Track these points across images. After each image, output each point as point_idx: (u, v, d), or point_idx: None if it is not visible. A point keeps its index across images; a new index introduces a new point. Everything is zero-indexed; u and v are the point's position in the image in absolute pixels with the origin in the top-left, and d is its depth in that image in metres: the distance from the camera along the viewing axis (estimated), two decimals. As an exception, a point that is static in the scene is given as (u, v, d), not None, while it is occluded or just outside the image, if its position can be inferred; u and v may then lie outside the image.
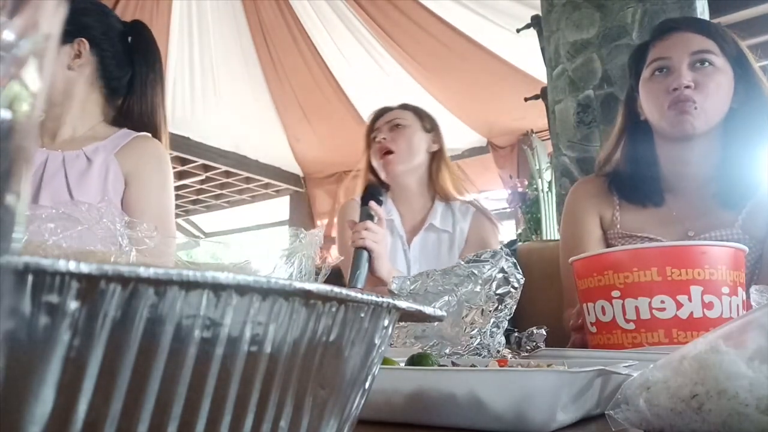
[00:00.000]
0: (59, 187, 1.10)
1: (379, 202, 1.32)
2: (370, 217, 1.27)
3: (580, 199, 1.19)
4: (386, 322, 0.29)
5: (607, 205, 1.15)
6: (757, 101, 1.05)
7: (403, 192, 1.53)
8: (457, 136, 4.65)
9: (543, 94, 2.46)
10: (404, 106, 1.59)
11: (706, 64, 1.03)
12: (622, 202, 1.13)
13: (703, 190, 1.07)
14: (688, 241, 0.96)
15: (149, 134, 1.22)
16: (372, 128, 1.57)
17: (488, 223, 1.52)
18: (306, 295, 0.24)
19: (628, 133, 1.16)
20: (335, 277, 1.33)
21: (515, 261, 0.77)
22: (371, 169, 1.56)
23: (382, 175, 1.52)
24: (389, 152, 1.48)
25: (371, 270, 1.25)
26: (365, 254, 1.23)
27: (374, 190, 1.35)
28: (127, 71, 1.23)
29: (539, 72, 2.92)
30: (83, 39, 1.16)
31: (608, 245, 1.13)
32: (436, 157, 1.54)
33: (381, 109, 1.61)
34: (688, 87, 1.01)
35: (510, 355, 0.70)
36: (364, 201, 1.32)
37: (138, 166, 1.15)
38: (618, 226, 1.12)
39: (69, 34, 1.15)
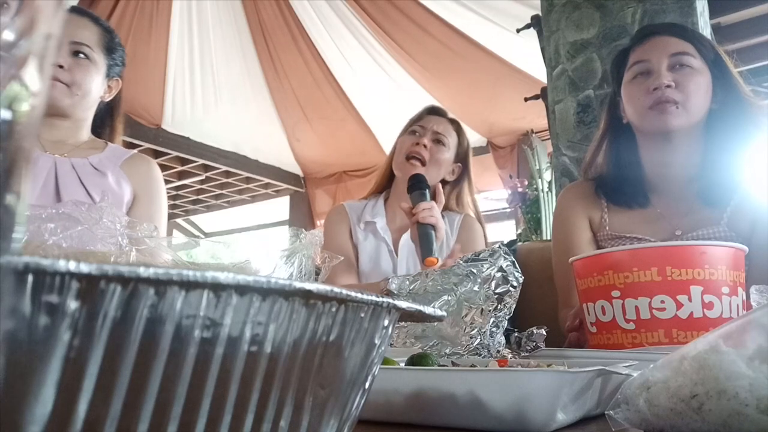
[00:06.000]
0: (79, 194, 1.15)
1: (426, 187, 1.35)
2: (423, 199, 1.30)
3: (570, 202, 1.21)
4: (386, 322, 0.29)
5: (595, 208, 1.17)
6: (736, 102, 1.07)
7: (402, 191, 1.49)
8: (457, 136, 4.64)
9: (543, 94, 2.46)
10: (455, 124, 1.53)
11: (685, 65, 1.06)
12: (610, 205, 1.16)
13: (687, 189, 1.09)
14: (688, 241, 0.96)
15: (143, 155, 1.34)
16: (418, 119, 1.52)
17: (477, 224, 1.51)
18: (306, 295, 0.24)
19: (611, 136, 1.19)
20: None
21: (514, 260, 0.77)
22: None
23: (398, 173, 1.49)
24: (421, 161, 1.43)
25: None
26: (431, 228, 1.26)
27: (421, 178, 1.36)
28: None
29: (539, 72, 2.92)
30: (119, 79, 1.28)
31: (598, 247, 1.15)
32: (449, 183, 1.52)
33: (436, 108, 1.58)
34: (668, 86, 1.04)
35: (510, 355, 0.70)
36: (412, 188, 1.34)
37: (147, 185, 1.27)
38: (607, 227, 1.14)
39: (111, 69, 1.25)
